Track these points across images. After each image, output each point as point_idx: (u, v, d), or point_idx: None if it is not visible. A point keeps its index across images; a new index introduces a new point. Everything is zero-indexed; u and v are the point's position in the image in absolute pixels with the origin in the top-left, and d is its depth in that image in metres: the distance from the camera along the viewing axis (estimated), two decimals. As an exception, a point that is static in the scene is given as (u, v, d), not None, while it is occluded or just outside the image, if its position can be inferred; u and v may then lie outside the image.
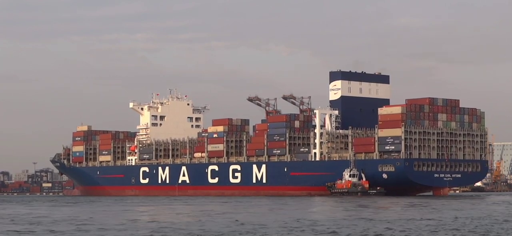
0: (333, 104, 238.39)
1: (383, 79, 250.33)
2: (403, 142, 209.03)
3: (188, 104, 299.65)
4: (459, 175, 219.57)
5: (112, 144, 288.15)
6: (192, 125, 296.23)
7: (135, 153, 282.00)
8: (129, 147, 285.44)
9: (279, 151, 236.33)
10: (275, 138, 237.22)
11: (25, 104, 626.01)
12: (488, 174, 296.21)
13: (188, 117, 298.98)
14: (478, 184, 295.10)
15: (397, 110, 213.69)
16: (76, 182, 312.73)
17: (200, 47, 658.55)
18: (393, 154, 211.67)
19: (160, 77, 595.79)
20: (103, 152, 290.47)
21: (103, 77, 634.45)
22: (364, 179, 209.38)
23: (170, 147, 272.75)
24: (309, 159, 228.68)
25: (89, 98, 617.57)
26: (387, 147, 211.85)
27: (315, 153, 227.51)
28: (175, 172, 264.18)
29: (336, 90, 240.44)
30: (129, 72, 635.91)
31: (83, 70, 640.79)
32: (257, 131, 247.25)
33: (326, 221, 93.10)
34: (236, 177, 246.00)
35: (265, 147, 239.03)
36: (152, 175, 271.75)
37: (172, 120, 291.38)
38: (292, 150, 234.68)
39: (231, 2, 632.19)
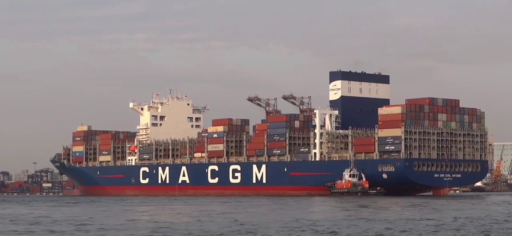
0: (333, 104, 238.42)
1: (383, 79, 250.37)
2: (403, 142, 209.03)
3: (188, 104, 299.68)
4: (459, 175, 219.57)
5: (112, 144, 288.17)
6: (192, 125, 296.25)
7: (135, 153, 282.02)
8: (129, 147, 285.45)
9: (279, 151, 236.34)
10: (275, 138, 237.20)
11: (25, 104, 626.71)
12: (488, 174, 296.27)
13: (188, 117, 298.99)
14: (478, 184, 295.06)
15: (397, 110, 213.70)
16: (76, 182, 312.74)
17: (200, 47, 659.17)
18: (393, 154, 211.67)
19: (160, 77, 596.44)
20: (103, 152, 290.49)
21: (103, 77, 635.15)
22: (364, 179, 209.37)
23: (170, 147, 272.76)
24: (309, 159, 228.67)
25: (89, 98, 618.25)
26: (387, 147, 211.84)
27: (315, 153, 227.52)
28: (175, 172, 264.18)
29: (336, 90, 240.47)
30: (129, 72, 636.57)
31: (83, 70, 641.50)
32: (257, 131, 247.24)
33: (326, 221, 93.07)
34: (236, 177, 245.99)
35: (265, 147, 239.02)
36: (152, 175, 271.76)
37: (172, 120, 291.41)
38: (292, 150, 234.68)
39: (231, 2, 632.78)
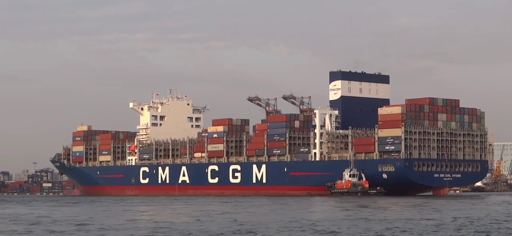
0: (333, 104, 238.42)
1: (383, 79, 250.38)
2: (403, 142, 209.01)
3: (188, 104, 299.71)
4: (459, 175, 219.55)
5: (112, 144, 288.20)
6: (192, 125, 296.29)
7: (135, 153, 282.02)
8: (129, 147, 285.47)
9: (279, 151, 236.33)
10: (275, 138, 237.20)
11: (25, 104, 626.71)
12: (488, 174, 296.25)
13: (188, 117, 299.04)
14: (478, 184, 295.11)
15: (397, 110, 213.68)
16: (76, 182, 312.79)
17: (200, 47, 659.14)
18: (393, 154, 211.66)
19: (160, 77, 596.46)
20: (103, 152, 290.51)
21: (103, 77, 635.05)
22: (364, 179, 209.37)
23: (170, 147, 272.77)
24: (309, 159, 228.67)
25: (89, 98, 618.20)
26: (387, 147, 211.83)
27: (315, 153, 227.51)
28: (175, 172, 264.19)
29: (336, 90, 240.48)
30: (129, 72, 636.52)
31: (83, 70, 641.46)
32: (257, 131, 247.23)
33: (326, 221, 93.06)
34: (236, 177, 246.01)
35: (265, 147, 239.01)
36: (152, 175, 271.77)
37: (172, 120, 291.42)
38: (292, 150, 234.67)
39: (231, 2, 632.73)
